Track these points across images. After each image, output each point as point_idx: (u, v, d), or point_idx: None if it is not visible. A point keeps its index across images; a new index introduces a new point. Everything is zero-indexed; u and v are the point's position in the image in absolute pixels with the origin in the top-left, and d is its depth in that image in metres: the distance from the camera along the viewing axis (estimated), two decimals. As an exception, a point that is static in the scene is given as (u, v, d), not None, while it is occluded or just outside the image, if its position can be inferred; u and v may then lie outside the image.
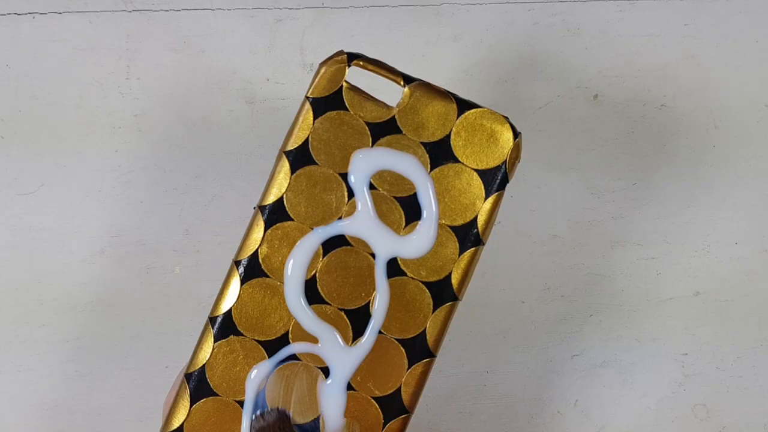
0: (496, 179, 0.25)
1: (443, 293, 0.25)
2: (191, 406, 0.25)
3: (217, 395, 0.25)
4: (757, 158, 0.38)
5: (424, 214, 0.25)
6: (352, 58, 0.25)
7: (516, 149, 0.25)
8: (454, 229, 0.25)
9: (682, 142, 0.38)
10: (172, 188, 0.36)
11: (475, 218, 0.25)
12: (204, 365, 0.25)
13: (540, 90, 0.37)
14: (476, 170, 0.25)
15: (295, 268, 0.25)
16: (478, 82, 0.37)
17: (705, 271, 0.37)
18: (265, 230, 0.25)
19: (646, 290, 0.37)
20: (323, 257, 0.25)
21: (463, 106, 0.25)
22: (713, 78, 0.38)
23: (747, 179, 0.38)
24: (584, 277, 0.37)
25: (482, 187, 0.25)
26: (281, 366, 0.25)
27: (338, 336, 0.25)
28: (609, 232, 0.37)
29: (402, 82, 0.25)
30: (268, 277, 0.25)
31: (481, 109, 0.25)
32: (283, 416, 0.25)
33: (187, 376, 0.25)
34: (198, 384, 0.25)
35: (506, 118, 0.25)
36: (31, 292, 0.35)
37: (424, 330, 0.25)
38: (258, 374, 0.25)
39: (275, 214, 0.25)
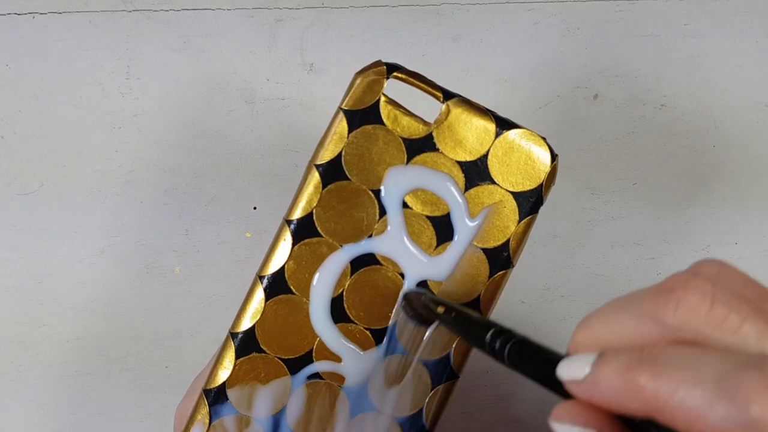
0: (530, 202, 0.24)
1: None
2: (210, 423, 0.24)
3: (238, 413, 0.24)
4: (757, 158, 0.38)
5: (456, 236, 0.24)
6: (392, 69, 0.24)
7: (553, 172, 0.25)
8: (485, 251, 0.24)
9: (682, 142, 0.38)
10: (172, 188, 0.36)
11: (507, 241, 0.24)
12: (224, 382, 0.24)
13: (540, 90, 0.37)
14: (511, 192, 0.24)
15: (322, 286, 0.24)
16: (478, 82, 0.37)
17: (705, 271, 0.37)
18: (293, 246, 0.24)
19: (646, 290, 0.37)
20: (351, 275, 0.24)
21: (503, 125, 0.24)
22: (713, 78, 0.38)
23: (747, 179, 0.38)
24: (584, 277, 0.37)
25: (516, 209, 0.24)
26: (304, 384, 0.24)
27: (363, 356, 0.24)
28: (609, 232, 0.37)
29: (441, 98, 0.24)
30: (293, 293, 0.24)
31: (520, 129, 0.24)
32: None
33: (206, 392, 0.24)
34: (217, 401, 0.24)
35: (544, 139, 0.24)
36: (31, 292, 0.35)
37: (450, 353, 0.25)
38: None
39: (303, 229, 0.24)
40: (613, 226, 0.37)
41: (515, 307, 0.36)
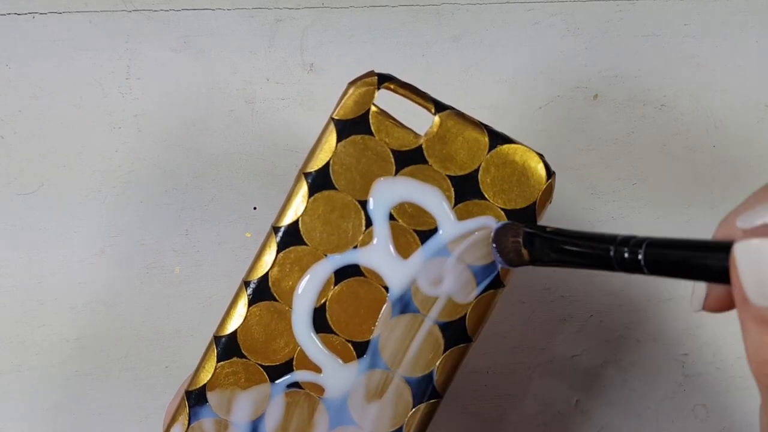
0: (523, 220, 0.24)
1: (456, 335, 0.24)
2: (189, 424, 0.24)
3: (217, 416, 0.24)
4: (757, 158, 0.38)
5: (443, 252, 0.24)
6: (383, 80, 0.24)
7: (548, 190, 0.24)
8: (473, 269, 0.24)
9: (682, 142, 0.38)
10: (172, 188, 0.36)
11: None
12: (205, 384, 0.24)
13: (540, 90, 0.37)
14: (503, 209, 0.24)
15: (305, 295, 0.24)
16: (478, 82, 0.37)
17: (705, 271, 0.37)
18: (278, 252, 0.24)
19: (646, 290, 0.37)
20: (335, 286, 0.24)
21: (496, 139, 0.24)
22: (713, 78, 0.38)
23: (747, 179, 0.38)
24: (584, 277, 0.37)
25: None
26: (283, 393, 0.24)
27: (343, 368, 0.24)
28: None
29: (433, 110, 0.24)
30: (276, 300, 0.24)
31: (514, 144, 0.24)
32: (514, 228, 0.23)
33: (188, 394, 0.25)
34: (197, 403, 0.24)
35: (541, 156, 0.24)
36: (31, 292, 0.35)
37: (433, 370, 0.24)
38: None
39: (289, 236, 0.24)
40: (613, 226, 0.37)
41: (515, 307, 0.37)
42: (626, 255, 0.18)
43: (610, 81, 0.37)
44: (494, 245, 0.23)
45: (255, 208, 0.36)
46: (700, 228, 0.37)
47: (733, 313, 0.39)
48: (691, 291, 0.20)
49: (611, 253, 0.18)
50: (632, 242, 0.18)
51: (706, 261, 0.17)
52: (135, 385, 0.35)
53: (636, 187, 0.37)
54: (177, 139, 0.36)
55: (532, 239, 0.22)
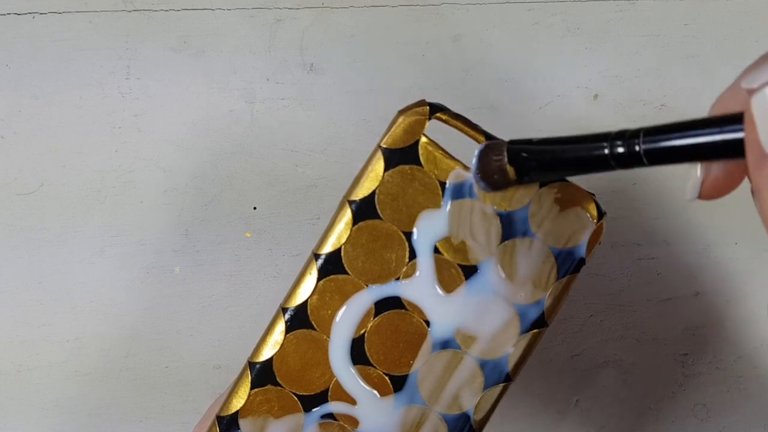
0: (571, 261, 0.23)
1: (497, 373, 0.24)
2: None
3: None
4: (757, 158, 0.38)
5: (488, 289, 0.23)
6: (435, 110, 0.23)
7: (598, 231, 0.24)
8: (517, 307, 0.24)
9: (682, 142, 0.38)
10: (172, 188, 0.36)
11: (543, 299, 0.24)
12: (237, 411, 0.24)
13: (540, 90, 0.37)
14: (551, 248, 0.23)
15: (344, 325, 0.24)
16: (478, 82, 0.37)
17: (705, 271, 0.37)
18: (318, 280, 0.24)
19: (646, 290, 0.37)
20: (375, 317, 0.24)
21: None
22: (713, 78, 0.38)
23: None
24: (584, 277, 0.37)
25: (555, 266, 0.23)
26: (317, 423, 0.24)
27: (380, 401, 0.24)
28: (609, 232, 0.37)
29: (484, 142, 0.23)
30: (314, 329, 0.24)
31: (565, 183, 0.23)
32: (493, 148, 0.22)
33: (219, 419, 0.24)
34: (229, 429, 0.24)
35: (592, 195, 0.24)
36: (31, 292, 0.35)
37: (471, 409, 0.24)
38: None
39: (331, 265, 0.24)
40: (613, 226, 0.37)
41: (515, 307, 0.36)
42: (623, 149, 0.17)
43: (610, 81, 0.37)
44: (477, 172, 0.23)
45: (255, 208, 0.36)
46: (699, 228, 0.37)
47: (732, 314, 0.40)
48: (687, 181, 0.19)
49: (606, 150, 0.17)
50: (628, 134, 0.17)
51: (711, 136, 0.15)
52: (135, 385, 0.35)
53: (636, 187, 0.37)
54: (177, 139, 0.36)
55: (517, 154, 0.21)
